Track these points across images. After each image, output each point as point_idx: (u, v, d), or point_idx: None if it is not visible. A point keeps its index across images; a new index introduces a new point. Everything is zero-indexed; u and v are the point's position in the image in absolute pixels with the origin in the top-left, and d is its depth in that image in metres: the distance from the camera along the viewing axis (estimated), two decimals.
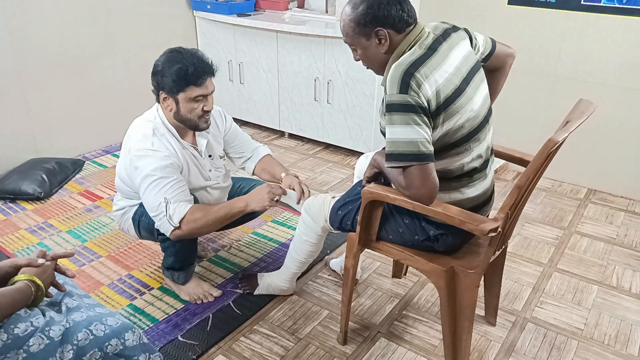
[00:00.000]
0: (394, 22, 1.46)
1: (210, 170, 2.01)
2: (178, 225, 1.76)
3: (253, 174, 2.20)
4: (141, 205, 1.92)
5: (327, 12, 3.62)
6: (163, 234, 1.85)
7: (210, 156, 2.02)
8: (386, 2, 1.45)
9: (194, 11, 3.86)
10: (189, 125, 1.87)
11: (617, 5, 2.70)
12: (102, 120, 3.49)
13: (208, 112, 1.84)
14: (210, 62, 1.82)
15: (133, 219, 1.99)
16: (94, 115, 3.43)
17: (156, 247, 2.38)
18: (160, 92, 1.82)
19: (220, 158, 2.09)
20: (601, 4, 2.74)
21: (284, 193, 1.90)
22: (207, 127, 1.90)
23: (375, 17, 1.45)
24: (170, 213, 1.75)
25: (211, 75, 1.83)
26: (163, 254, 2.04)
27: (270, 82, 3.67)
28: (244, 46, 3.71)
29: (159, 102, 1.87)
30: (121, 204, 2.04)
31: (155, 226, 1.83)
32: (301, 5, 3.85)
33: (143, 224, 1.96)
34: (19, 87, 3.02)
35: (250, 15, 3.65)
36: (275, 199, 1.83)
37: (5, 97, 2.97)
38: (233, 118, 2.19)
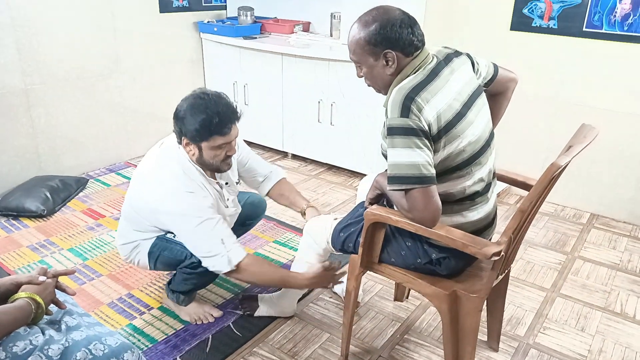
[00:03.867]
0: (404, 45, 1.47)
1: (228, 200, 1.99)
2: (235, 267, 1.75)
3: (267, 195, 2.19)
4: (160, 239, 1.91)
5: (331, 35, 3.67)
6: (189, 265, 1.86)
7: (227, 184, 1.99)
8: (399, 25, 1.46)
9: (201, 33, 3.92)
10: (211, 169, 1.85)
11: (618, 32, 2.74)
12: (107, 139, 3.52)
13: (230, 156, 1.82)
14: (234, 108, 1.78)
15: (150, 253, 1.94)
16: (99, 133, 3.46)
17: None
18: (183, 137, 1.77)
19: (236, 184, 2.08)
20: (602, 31, 2.78)
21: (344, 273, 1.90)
22: (229, 169, 1.89)
23: (387, 38, 1.46)
24: (230, 255, 1.74)
25: (236, 121, 1.78)
26: (169, 275, 2.02)
27: (274, 103, 3.71)
28: (249, 68, 3.75)
29: (180, 144, 1.82)
30: (131, 236, 1.97)
31: (205, 264, 1.78)
32: (306, 29, 3.90)
33: (164, 258, 1.93)
34: (26, 105, 3.05)
35: (256, 38, 3.71)
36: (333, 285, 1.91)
37: (11, 115, 3.00)
38: None
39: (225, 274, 1.78)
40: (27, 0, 2.91)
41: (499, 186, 1.74)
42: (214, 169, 1.85)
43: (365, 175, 3.33)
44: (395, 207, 1.55)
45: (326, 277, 1.87)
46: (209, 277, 1.94)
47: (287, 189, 2.16)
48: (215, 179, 1.93)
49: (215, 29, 3.79)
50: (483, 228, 1.60)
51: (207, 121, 1.70)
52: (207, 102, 1.71)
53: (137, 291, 2.25)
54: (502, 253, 1.43)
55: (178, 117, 1.75)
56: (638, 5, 2.65)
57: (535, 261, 2.57)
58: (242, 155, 2.10)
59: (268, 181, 2.16)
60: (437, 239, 1.48)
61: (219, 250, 1.74)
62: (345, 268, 1.89)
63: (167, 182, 1.78)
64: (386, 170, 1.48)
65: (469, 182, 1.51)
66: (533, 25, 2.97)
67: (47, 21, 3.03)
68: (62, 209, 2.97)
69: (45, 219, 2.84)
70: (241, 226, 2.22)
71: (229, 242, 1.76)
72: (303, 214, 2.06)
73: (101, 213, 2.94)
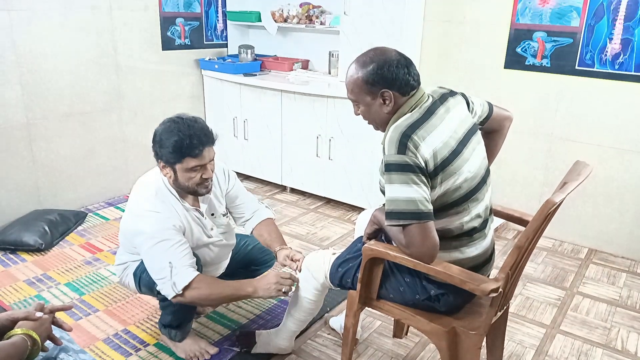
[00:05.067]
0: (400, 85, 1.51)
1: (212, 229, 2.00)
2: (181, 292, 1.74)
3: (251, 233, 2.19)
4: (142, 261, 1.92)
5: (329, 73, 3.75)
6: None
7: (212, 214, 2.02)
8: (395, 65, 1.51)
9: (202, 70, 4.00)
10: (188, 192, 1.87)
11: (609, 71, 2.81)
12: (107, 173, 3.54)
13: (207, 179, 1.84)
14: (209, 131, 1.81)
15: (134, 274, 1.98)
16: (98, 167, 3.49)
17: (154, 302, 2.35)
18: (159, 160, 1.82)
19: (223, 216, 2.08)
20: (594, 69, 2.85)
21: (292, 284, 1.84)
22: (207, 192, 1.90)
23: (384, 78, 1.50)
24: (175, 279, 1.73)
25: (210, 144, 1.81)
26: (160, 310, 2.02)
27: (273, 138, 3.75)
28: (249, 104, 3.82)
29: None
30: (123, 258, 2.03)
31: (157, 288, 1.81)
32: (305, 67, 3.99)
33: (144, 280, 1.94)
34: (27, 139, 3.09)
35: (256, 75, 3.78)
36: (283, 290, 1.79)
37: (13, 149, 3.03)
38: (236, 173, 2.19)
39: (173, 299, 1.76)
40: (31, 38, 2.99)
41: (496, 221, 1.75)
42: (191, 192, 1.87)
43: (363, 209, 3.34)
44: (393, 242, 1.56)
45: (270, 279, 1.79)
46: (182, 304, 1.86)
47: (268, 230, 2.12)
48: (197, 207, 1.94)
49: (216, 66, 3.88)
50: (481, 264, 1.60)
51: (179, 143, 1.74)
52: (180, 126, 1.77)
53: (134, 327, 2.22)
54: (500, 290, 1.43)
55: (154, 141, 1.81)
56: (627, 45, 2.73)
57: (534, 297, 2.55)
58: (232, 190, 2.11)
59: (253, 220, 2.15)
60: (435, 275, 1.48)
61: (165, 274, 1.74)
62: (278, 259, 1.95)
63: (138, 203, 1.84)
64: (384, 205, 1.49)
65: (466, 219, 1.52)
66: (527, 63, 3.05)
67: (51, 57, 3.10)
68: (60, 242, 2.96)
69: (43, 252, 2.84)
70: (245, 270, 2.20)
71: (179, 265, 1.74)
72: (275, 255, 2.05)
73: (99, 247, 2.93)
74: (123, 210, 3.38)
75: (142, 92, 3.64)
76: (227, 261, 2.19)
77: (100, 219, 3.30)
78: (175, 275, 1.74)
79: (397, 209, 1.41)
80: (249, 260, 2.23)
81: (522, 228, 1.64)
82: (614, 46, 2.77)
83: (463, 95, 1.67)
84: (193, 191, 1.86)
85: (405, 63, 1.53)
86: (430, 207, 1.41)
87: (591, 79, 2.88)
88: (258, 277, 1.86)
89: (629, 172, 2.87)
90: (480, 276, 1.47)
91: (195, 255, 1.86)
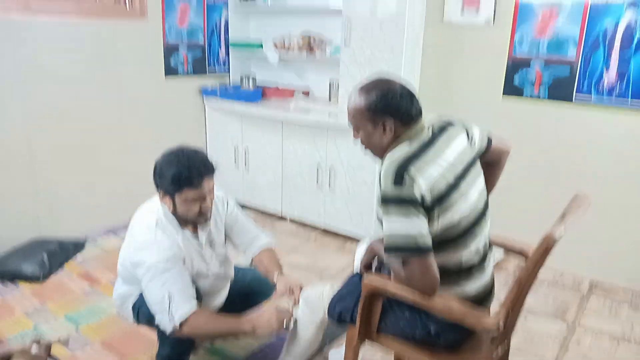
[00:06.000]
0: (402, 115, 1.52)
1: (211, 259, 2.00)
2: (179, 326, 1.73)
3: (251, 264, 2.18)
4: (142, 293, 1.91)
5: (330, 100, 3.79)
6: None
7: (211, 244, 2.02)
8: (399, 95, 1.52)
9: (204, 98, 4.04)
10: (187, 222, 1.88)
11: (606, 102, 2.83)
12: (107, 201, 3.54)
13: (206, 209, 1.85)
14: (209, 162, 1.83)
15: (133, 306, 1.97)
16: (99, 196, 3.49)
17: (152, 335, 2.32)
18: (160, 190, 1.85)
19: (223, 245, 2.08)
20: (592, 99, 2.87)
21: (290, 319, 1.82)
22: (206, 222, 1.91)
23: (387, 106, 1.52)
24: (173, 312, 1.73)
25: (209, 175, 1.83)
26: (158, 342, 2.00)
27: (274, 167, 3.77)
28: (250, 133, 3.84)
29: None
30: (122, 289, 2.02)
31: (156, 321, 1.80)
32: (305, 95, 4.03)
33: (143, 312, 1.93)
34: (29, 167, 3.10)
35: (257, 104, 3.82)
36: (284, 326, 1.78)
37: (14, 177, 3.04)
38: (236, 202, 2.19)
39: (171, 334, 1.75)
40: (37, 68, 3.03)
41: (496, 254, 1.75)
42: (190, 222, 1.88)
43: (363, 239, 3.34)
44: (392, 276, 1.55)
45: (270, 315, 1.76)
46: (184, 338, 1.85)
47: (268, 258, 2.11)
48: (197, 235, 1.94)
49: (218, 95, 3.92)
50: (481, 299, 1.59)
51: (178, 174, 1.77)
52: (180, 157, 1.80)
53: None
54: (501, 326, 1.41)
55: (155, 172, 1.84)
56: (624, 75, 2.76)
57: (535, 331, 2.52)
58: (231, 216, 2.11)
59: (252, 247, 2.14)
60: (435, 310, 1.47)
61: (164, 307, 1.73)
62: (277, 288, 1.94)
63: (139, 233, 1.85)
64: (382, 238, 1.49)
65: (465, 254, 1.51)
66: (524, 93, 3.08)
67: (54, 86, 3.13)
68: (59, 272, 2.95)
69: (41, 282, 2.82)
70: (243, 300, 2.19)
71: (178, 298, 1.73)
72: (273, 283, 2.03)
73: (98, 278, 2.91)
74: (123, 239, 3.37)
75: (144, 120, 3.67)
76: (226, 292, 2.18)
77: (99, 248, 3.29)
78: (173, 309, 1.73)
79: (395, 242, 1.40)
80: (247, 291, 2.22)
81: (522, 259, 1.64)
82: (610, 76, 2.81)
83: (463, 124, 1.67)
84: (192, 221, 1.88)
85: (408, 94, 1.55)
86: (429, 240, 1.41)
87: (589, 109, 2.90)
88: (256, 313, 1.84)
89: (630, 202, 2.86)
90: (480, 312, 1.46)
91: (194, 285, 1.85)
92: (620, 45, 2.74)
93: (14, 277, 2.81)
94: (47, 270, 2.86)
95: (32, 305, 2.60)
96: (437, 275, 1.42)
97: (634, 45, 2.71)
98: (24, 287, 2.77)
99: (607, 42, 2.78)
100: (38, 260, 2.87)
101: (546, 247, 1.39)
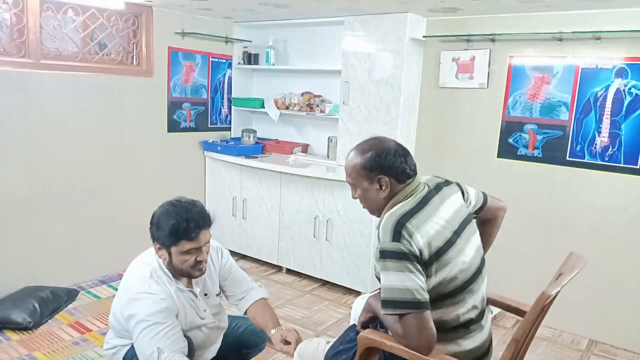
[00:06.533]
0: (397, 172, 1.58)
1: (205, 310, 1.98)
2: None
3: (244, 314, 2.16)
4: (133, 346, 1.87)
5: (328, 157, 3.86)
6: None
7: (206, 295, 2.00)
8: (393, 154, 1.58)
9: (205, 151, 4.11)
10: (182, 274, 1.88)
11: (599, 162, 2.90)
12: (102, 250, 3.53)
13: (201, 261, 1.85)
14: (206, 214, 1.84)
15: (124, 359, 1.93)
16: (94, 244, 3.48)
17: None
18: (155, 242, 1.85)
19: (217, 296, 2.07)
20: (585, 160, 2.94)
21: None
22: (201, 275, 1.91)
23: (381, 165, 1.57)
24: None
25: (206, 227, 1.83)
26: None
27: (271, 218, 3.79)
28: (249, 184, 3.89)
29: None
30: (113, 342, 1.99)
31: None
32: (305, 151, 4.11)
33: None
34: (27, 215, 3.11)
35: (257, 157, 3.89)
36: None
37: (11, 224, 3.05)
38: (233, 252, 2.20)
39: None
40: (41, 118, 3.10)
41: (494, 310, 1.74)
42: (184, 274, 1.87)
43: (360, 292, 3.31)
44: (389, 332, 1.54)
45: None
46: None
47: (261, 311, 2.08)
48: (191, 288, 1.93)
49: (219, 148, 3.99)
50: (479, 357, 1.57)
51: (176, 226, 1.77)
52: (178, 209, 1.80)
53: None
54: None
55: (152, 223, 1.84)
56: (615, 138, 2.84)
57: None
58: (225, 267, 2.11)
59: (246, 299, 2.12)
60: None
61: (153, 358, 1.70)
62: (273, 341, 1.90)
63: (133, 285, 1.83)
64: (378, 290, 1.49)
65: (463, 310, 1.52)
66: (519, 153, 3.16)
67: (58, 135, 3.19)
68: (49, 321, 2.89)
69: (30, 331, 2.76)
70: (236, 354, 2.16)
71: (167, 352, 1.70)
72: (270, 338, 2.00)
73: (88, 327, 2.86)
74: (116, 289, 3.33)
75: (144, 171, 3.72)
76: (219, 345, 2.14)
77: (92, 297, 3.25)
78: None
79: (392, 297, 1.41)
80: (240, 343, 2.18)
81: (520, 317, 1.63)
82: (602, 139, 2.89)
83: (458, 184, 1.72)
84: (187, 274, 1.87)
85: (402, 153, 1.60)
86: (427, 296, 1.41)
87: (582, 170, 2.96)
88: None
89: (626, 260, 2.87)
90: None
91: (187, 337, 1.83)
92: (611, 110, 2.84)
93: (3, 325, 2.75)
94: (38, 319, 2.81)
95: (20, 355, 2.53)
96: (434, 331, 1.42)
97: (624, 110, 2.81)
98: (12, 337, 2.70)
99: (598, 106, 2.88)
100: (29, 309, 2.83)
101: (542, 305, 1.40)
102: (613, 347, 2.94)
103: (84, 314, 3.01)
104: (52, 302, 2.98)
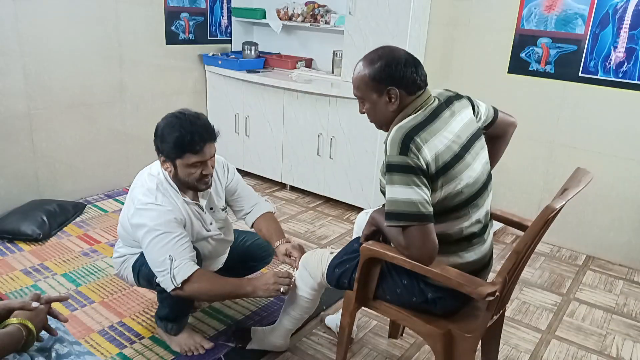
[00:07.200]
0: (407, 83, 1.51)
1: (211, 223, 2.01)
2: (180, 285, 1.75)
3: (251, 228, 2.19)
4: (142, 254, 1.92)
5: (332, 72, 3.75)
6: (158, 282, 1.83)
7: (211, 209, 2.02)
8: (403, 64, 1.50)
9: (205, 65, 3.99)
10: (188, 187, 1.88)
11: (612, 79, 2.80)
12: (107, 165, 3.54)
13: (207, 175, 1.84)
14: (211, 128, 1.82)
15: (133, 267, 1.98)
16: (99, 160, 3.49)
17: (150, 295, 2.35)
18: (160, 155, 1.83)
19: (222, 210, 2.09)
20: (598, 77, 2.85)
21: (290, 284, 1.83)
22: (207, 188, 1.91)
23: (391, 75, 1.50)
24: (175, 272, 1.74)
25: (211, 141, 1.82)
26: (157, 303, 2.02)
27: (275, 135, 3.75)
28: (251, 101, 3.81)
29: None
30: (122, 251, 2.03)
31: (157, 280, 1.81)
32: (308, 65, 3.99)
33: (143, 273, 1.94)
34: (28, 129, 3.08)
35: (259, 72, 3.78)
36: (282, 289, 1.79)
37: (13, 139, 3.03)
38: (237, 169, 2.20)
39: (172, 292, 1.78)
40: (35, 28, 2.98)
41: (495, 225, 1.75)
42: (191, 187, 1.88)
43: (362, 209, 3.34)
44: (391, 243, 1.55)
45: (268, 279, 1.79)
46: (181, 298, 1.85)
47: (267, 224, 2.12)
48: (197, 201, 1.94)
49: (220, 62, 3.87)
50: (479, 269, 1.60)
51: (180, 139, 1.75)
52: (182, 121, 1.78)
53: (129, 319, 2.22)
54: (497, 293, 1.43)
55: (156, 135, 1.82)
56: (632, 53, 2.73)
57: (530, 302, 2.56)
58: (231, 183, 2.11)
59: (253, 213, 2.15)
60: (432, 277, 1.48)
61: (165, 267, 1.75)
62: (278, 253, 1.98)
63: (139, 196, 1.84)
64: (383, 205, 1.49)
65: (466, 224, 1.52)
66: (530, 69, 3.05)
67: (54, 48, 3.09)
68: (58, 233, 2.96)
69: (40, 242, 2.83)
70: (242, 266, 2.21)
71: (179, 259, 1.75)
72: (275, 249, 2.05)
73: (97, 239, 2.93)
74: (122, 203, 3.38)
75: (144, 86, 3.64)
76: (225, 256, 2.20)
77: (99, 210, 3.30)
78: (175, 269, 1.74)
79: (397, 209, 1.41)
80: (246, 256, 2.24)
81: (520, 233, 1.65)
82: (618, 54, 2.77)
83: (469, 98, 1.66)
84: (193, 186, 1.87)
85: (413, 62, 1.53)
86: (431, 209, 1.41)
87: (594, 87, 2.87)
88: (256, 276, 1.86)
89: (630, 181, 2.87)
90: (477, 279, 1.47)
91: (195, 248, 1.87)
92: (630, 24, 2.70)
93: (14, 236, 2.82)
94: (47, 231, 2.87)
95: (32, 264, 2.62)
96: (436, 243, 1.43)
97: None
98: (24, 247, 2.78)
99: (616, 20, 2.73)
100: (37, 221, 2.88)
101: (546, 218, 1.40)
102: (609, 263, 3.01)
103: (92, 227, 3.07)
104: (59, 215, 3.03)
